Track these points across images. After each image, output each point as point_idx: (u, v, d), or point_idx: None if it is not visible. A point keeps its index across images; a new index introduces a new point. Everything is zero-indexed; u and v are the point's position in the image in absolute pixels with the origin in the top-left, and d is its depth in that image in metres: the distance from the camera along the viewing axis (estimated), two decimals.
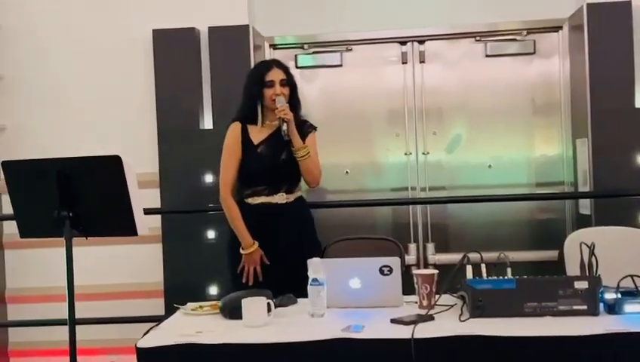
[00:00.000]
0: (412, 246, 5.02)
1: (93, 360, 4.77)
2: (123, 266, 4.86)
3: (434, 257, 5.00)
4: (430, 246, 5.04)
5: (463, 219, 5.08)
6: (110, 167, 2.81)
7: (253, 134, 3.75)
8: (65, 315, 4.58)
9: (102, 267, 4.79)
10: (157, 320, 4.60)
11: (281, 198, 3.69)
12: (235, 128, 3.78)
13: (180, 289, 4.53)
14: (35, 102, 4.96)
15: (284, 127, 3.59)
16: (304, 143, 3.69)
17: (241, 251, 3.68)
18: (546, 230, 5.03)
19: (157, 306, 4.78)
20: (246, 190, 3.74)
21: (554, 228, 5.00)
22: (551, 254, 4.88)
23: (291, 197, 3.72)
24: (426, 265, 4.96)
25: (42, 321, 4.79)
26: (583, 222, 4.61)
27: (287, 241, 3.67)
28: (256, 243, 3.67)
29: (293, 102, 3.74)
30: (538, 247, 4.96)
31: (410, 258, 4.96)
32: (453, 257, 4.74)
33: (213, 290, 4.63)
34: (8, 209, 4.79)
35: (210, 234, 4.70)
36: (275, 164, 3.70)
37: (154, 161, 4.73)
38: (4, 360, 4.96)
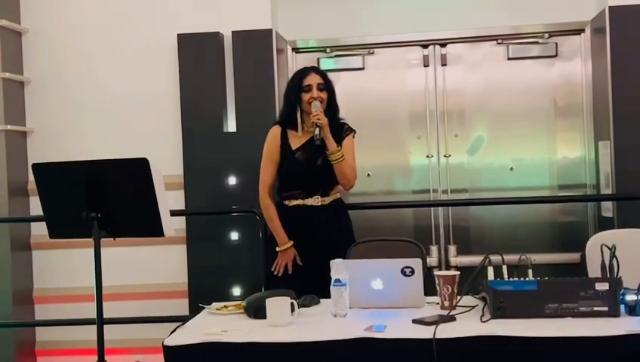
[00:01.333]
0: (434, 249, 5.05)
1: (118, 360, 4.83)
2: (148, 267, 4.92)
3: (456, 259, 5.02)
4: (452, 249, 5.06)
5: (484, 221, 5.10)
6: (138, 170, 2.89)
7: (292, 139, 3.88)
8: (90, 315, 4.68)
9: (127, 268, 4.86)
10: (181, 320, 4.68)
11: (315, 201, 3.81)
12: (274, 132, 3.91)
13: (204, 290, 4.58)
14: (62, 106, 5.05)
15: (317, 131, 3.68)
16: (340, 146, 3.75)
17: (277, 249, 3.82)
18: (568, 232, 5.04)
19: (181, 306, 4.84)
20: (283, 192, 3.89)
21: (576, 231, 5.01)
22: (573, 257, 4.89)
23: (327, 200, 3.85)
24: (448, 267, 4.99)
25: (69, 321, 4.86)
26: (605, 224, 4.61)
27: (321, 242, 3.78)
28: (291, 242, 3.81)
29: (331, 106, 3.84)
30: (560, 250, 4.97)
31: (432, 260, 5.00)
32: (475, 259, 4.72)
33: (236, 291, 4.69)
34: (36, 210, 4.93)
35: (234, 235, 4.76)
36: (310, 169, 3.81)
37: (179, 163, 4.79)
38: (32, 359, 5.04)
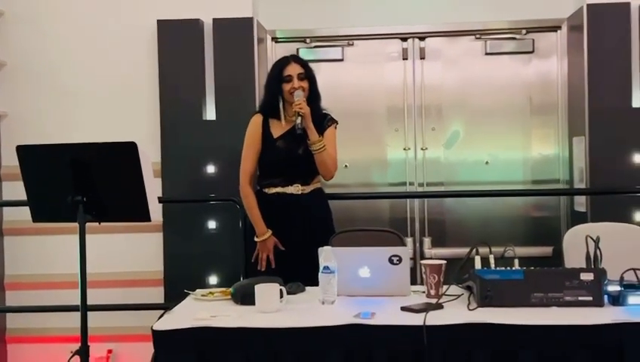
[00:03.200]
0: (409, 241, 5.08)
1: (91, 348, 4.79)
2: (124, 255, 4.87)
3: (430, 251, 5.06)
4: (427, 241, 5.11)
5: (459, 214, 5.15)
6: (126, 154, 2.85)
7: (274, 128, 3.89)
8: (63, 302, 4.70)
9: (102, 255, 4.77)
10: (157, 308, 4.68)
11: (296, 189, 3.82)
12: (256, 120, 3.92)
13: (180, 278, 4.56)
14: (37, 90, 4.96)
15: (299, 120, 3.69)
16: (322, 136, 3.77)
17: (255, 239, 3.82)
18: (541, 226, 5.12)
19: (156, 295, 4.81)
20: (263, 180, 3.89)
21: (549, 225, 5.09)
22: (545, 250, 5.00)
23: (307, 189, 3.86)
24: (423, 259, 5.02)
25: (44, 307, 4.79)
26: (578, 219, 4.67)
27: (299, 231, 3.79)
28: (270, 232, 3.80)
29: (313, 95, 3.85)
30: (533, 243, 5.04)
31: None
32: (450, 251, 4.83)
33: (213, 280, 4.67)
34: (8, 195, 4.86)
35: (211, 224, 4.74)
36: (291, 157, 3.82)
37: (157, 151, 4.74)
38: (2, 346, 4.97)
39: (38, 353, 4.95)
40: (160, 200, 3.12)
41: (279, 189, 3.82)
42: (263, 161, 3.90)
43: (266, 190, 3.86)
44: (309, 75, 3.87)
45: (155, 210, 3.04)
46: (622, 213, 4.49)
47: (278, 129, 3.89)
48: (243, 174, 3.91)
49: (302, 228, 3.80)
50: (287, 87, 3.81)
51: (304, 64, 3.90)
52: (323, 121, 3.88)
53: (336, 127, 3.94)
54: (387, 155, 5.20)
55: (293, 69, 3.83)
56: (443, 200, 5.16)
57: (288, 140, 3.86)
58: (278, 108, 3.86)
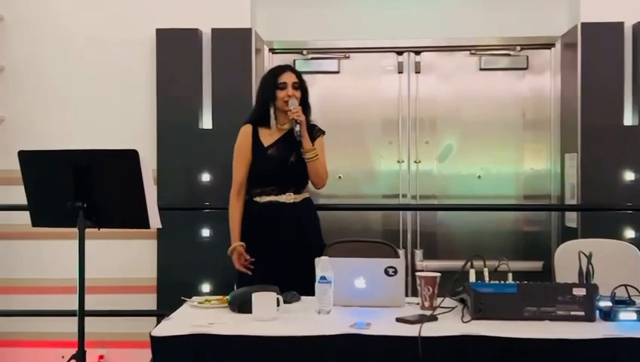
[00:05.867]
0: (400, 253, 5.10)
1: None
2: (117, 261, 4.89)
3: (422, 264, 5.10)
4: (418, 253, 5.14)
5: (451, 227, 5.20)
6: (127, 161, 2.89)
7: (264, 136, 3.90)
8: (55, 307, 4.71)
9: (95, 261, 4.78)
10: (150, 314, 4.70)
11: (288, 198, 3.83)
12: (245, 130, 3.93)
13: (173, 286, 4.59)
14: (36, 95, 4.98)
15: (297, 128, 3.72)
16: (313, 146, 3.79)
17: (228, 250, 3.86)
18: (531, 241, 5.17)
19: (148, 301, 4.82)
20: (255, 189, 3.89)
21: (539, 240, 5.15)
22: (535, 265, 5.05)
23: (298, 198, 3.87)
24: (414, 271, 5.06)
25: (35, 312, 4.81)
26: (568, 234, 4.73)
27: (290, 240, 3.79)
28: (238, 243, 3.85)
29: (304, 106, 3.88)
30: (523, 258, 5.09)
31: None
32: (441, 264, 4.88)
33: (206, 288, 4.69)
34: (4, 200, 4.87)
35: (205, 232, 4.77)
36: (283, 166, 3.83)
37: (152, 158, 4.76)
38: None
39: (29, 357, 4.95)
40: None
41: (272, 198, 3.82)
42: (254, 170, 3.89)
43: (258, 199, 3.86)
44: (302, 86, 3.90)
45: (158, 217, 3.05)
46: (612, 229, 4.55)
47: (268, 138, 3.90)
48: (233, 185, 3.93)
49: (293, 237, 3.80)
50: (281, 94, 3.83)
51: (299, 74, 3.93)
52: (312, 130, 3.90)
53: (323, 137, 3.97)
54: (381, 167, 5.24)
55: (289, 77, 3.86)
56: (435, 213, 5.21)
57: (280, 148, 3.87)
58: (268, 115, 3.87)
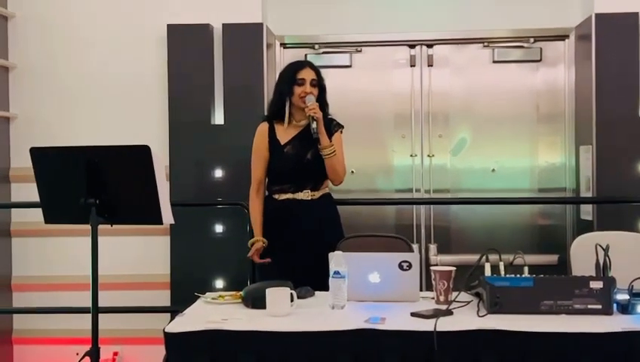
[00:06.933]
0: (414, 247, 5.08)
1: None
2: (131, 258, 4.90)
3: (436, 258, 5.08)
4: (432, 248, 5.12)
5: (465, 221, 5.17)
6: (139, 157, 2.88)
7: (280, 134, 3.89)
8: (69, 304, 4.72)
9: (108, 257, 4.79)
10: (164, 311, 4.71)
11: (306, 195, 3.82)
12: (262, 129, 3.93)
13: (186, 282, 4.57)
14: (47, 92, 5.00)
15: (314, 125, 3.70)
16: (331, 141, 3.77)
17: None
18: (546, 235, 5.13)
19: (162, 298, 4.83)
20: (274, 187, 3.90)
21: (554, 233, 5.11)
22: (550, 258, 5.01)
23: (317, 195, 3.86)
24: (428, 265, 5.03)
25: (49, 309, 4.83)
26: (584, 227, 4.69)
27: (308, 236, 3.78)
28: (258, 239, 3.85)
29: (322, 103, 3.86)
30: (538, 251, 5.04)
31: None
32: (455, 258, 4.85)
33: (219, 283, 4.69)
34: (16, 197, 4.88)
35: (218, 228, 4.76)
36: (300, 163, 3.82)
37: (165, 154, 4.75)
38: (8, 348, 4.98)
39: (43, 354, 4.97)
40: None
41: (289, 195, 3.83)
42: (272, 167, 3.90)
43: (276, 196, 3.87)
44: (320, 84, 3.88)
45: (170, 213, 3.04)
46: (628, 221, 4.51)
47: (284, 135, 3.89)
48: (252, 182, 3.94)
49: (312, 234, 3.79)
50: (298, 90, 3.81)
51: (318, 71, 3.91)
52: (330, 125, 3.89)
53: (342, 132, 3.95)
54: (394, 162, 5.22)
55: (308, 74, 3.84)
56: (449, 207, 5.18)
57: (296, 146, 3.87)
58: (284, 110, 3.86)
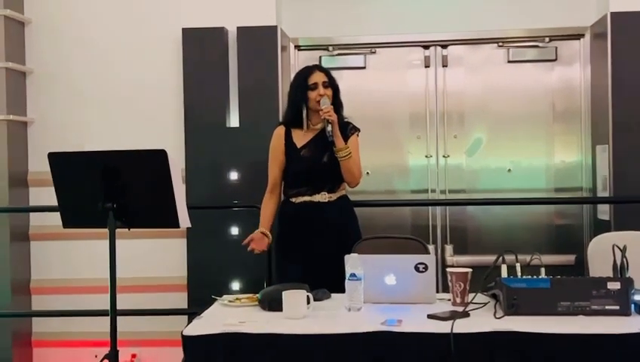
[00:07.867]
0: (431, 248, 5.07)
1: None
2: (148, 261, 4.93)
3: (452, 259, 5.07)
4: (449, 248, 5.12)
5: (481, 222, 5.16)
6: (156, 161, 2.90)
7: (297, 138, 3.89)
8: (88, 307, 4.76)
9: (126, 260, 4.81)
10: (181, 313, 4.73)
11: (323, 198, 3.83)
12: (278, 132, 3.94)
13: (203, 284, 4.59)
14: (64, 97, 5.04)
15: (329, 127, 3.70)
16: (346, 144, 3.78)
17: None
18: (563, 235, 5.11)
19: (179, 300, 4.85)
20: (291, 190, 3.90)
21: (571, 233, 5.08)
22: (568, 259, 4.99)
23: (334, 197, 3.86)
24: (444, 266, 5.03)
25: (68, 312, 4.87)
26: (601, 227, 4.67)
27: (325, 239, 3.79)
28: (260, 232, 3.82)
29: (336, 104, 3.87)
30: (555, 252, 5.03)
31: None
32: (471, 259, 4.84)
33: (236, 286, 4.71)
34: (35, 201, 4.92)
35: (234, 230, 4.78)
36: (316, 166, 3.83)
37: (180, 157, 4.79)
38: (28, 350, 5.03)
39: (62, 357, 5.01)
40: None
41: (306, 198, 3.83)
42: (289, 171, 3.91)
43: (293, 199, 3.87)
44: (332, 84, 3.89)
45: (187, 216, 3.06)
46: None
47: (301, 138, 3.90)
48: (268, 185, 3.96)
49: (330, 237, 3.80)
50: (312, 94, 3.82)
51: (328, 73, 3.92)
52: (346, 128, 3.89)
53: (358, 135, 3.95)
54: (409, 162, 5.21)
55: (319, 77, 3.85)
56: (465, 207, 5.17)
57: (312, 149, 3.87)
58: (301, 117, 3.87)
